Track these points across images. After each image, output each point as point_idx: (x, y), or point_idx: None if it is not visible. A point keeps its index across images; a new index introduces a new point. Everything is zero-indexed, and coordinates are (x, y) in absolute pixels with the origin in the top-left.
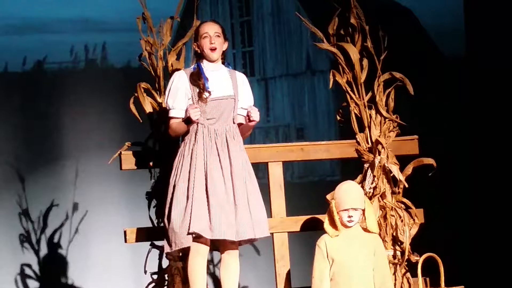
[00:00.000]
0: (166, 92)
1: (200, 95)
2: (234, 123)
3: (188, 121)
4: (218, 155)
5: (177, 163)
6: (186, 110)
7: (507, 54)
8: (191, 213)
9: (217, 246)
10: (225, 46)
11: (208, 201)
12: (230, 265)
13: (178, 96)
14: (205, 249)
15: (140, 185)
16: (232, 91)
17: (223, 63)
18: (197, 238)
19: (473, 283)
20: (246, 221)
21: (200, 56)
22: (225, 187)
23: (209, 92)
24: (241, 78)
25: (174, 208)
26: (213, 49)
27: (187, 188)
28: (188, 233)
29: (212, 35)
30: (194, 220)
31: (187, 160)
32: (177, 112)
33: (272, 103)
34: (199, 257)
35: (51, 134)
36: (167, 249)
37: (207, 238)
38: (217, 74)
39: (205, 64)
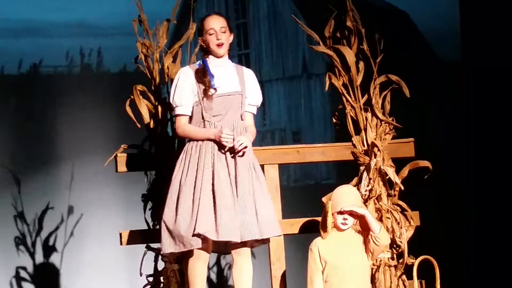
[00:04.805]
0: (172, 89)
1: (205, 92)
2: (242, 120)
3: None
4: (225, 153)
5: (183, 160)
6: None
7: (503, 57)
8: (197, 214)
9: (226, 249)
10: (231, 38)
11: (214, 202)
12: (242, 265)
13: (185, 93)
14: (206, 255)
15: (136, 188)
16: (239, 87)
17: (229, 55)
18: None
19: (469, 285)
20: (251, 221)
21: (206, 51)
22: (231, 187)
23: (215, 89)
24: (248, 74)
25: (181, 207)
26: (219, 45)
27: (193, 187)
28: (193, 235)
29: (218, 31)
30: (200, 221)
31: (194, 158)
32: (184, 109)
33: (268, 106)
34: (199, 261)
35: (47, 136)
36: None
37: (212, 240)
38: (223, 69)
39: (210, 60)
